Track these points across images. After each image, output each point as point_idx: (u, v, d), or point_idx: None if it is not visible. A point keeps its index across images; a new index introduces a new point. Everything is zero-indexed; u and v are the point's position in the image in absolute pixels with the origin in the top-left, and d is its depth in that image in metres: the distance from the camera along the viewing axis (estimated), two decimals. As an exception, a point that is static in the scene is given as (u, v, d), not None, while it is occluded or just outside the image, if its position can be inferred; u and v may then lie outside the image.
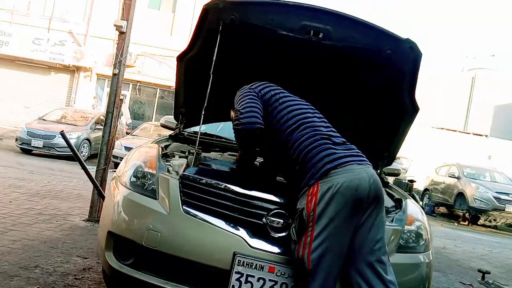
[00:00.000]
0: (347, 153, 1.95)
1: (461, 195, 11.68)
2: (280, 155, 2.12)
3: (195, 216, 2.02)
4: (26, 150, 10.71)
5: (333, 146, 1.96)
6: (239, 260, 1.92)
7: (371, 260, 1.88)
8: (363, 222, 1.88)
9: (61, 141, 8.67)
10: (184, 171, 2.24)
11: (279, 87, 2.25)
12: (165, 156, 2.58)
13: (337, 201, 1.81)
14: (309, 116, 2.10)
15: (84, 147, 11.03)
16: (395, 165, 3.25)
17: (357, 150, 2.02)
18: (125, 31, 4.53)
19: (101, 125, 7.14)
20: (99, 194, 4.36)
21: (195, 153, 2.55)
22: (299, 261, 1.84)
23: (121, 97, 4.67)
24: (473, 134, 16.61)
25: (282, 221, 2.01)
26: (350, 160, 1.91)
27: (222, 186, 2.10)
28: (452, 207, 12.20)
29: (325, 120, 2.15)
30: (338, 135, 2.08)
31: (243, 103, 2.07)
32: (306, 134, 2.01)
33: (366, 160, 1.99)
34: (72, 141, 8.40)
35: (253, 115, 2.02)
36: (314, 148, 1.95)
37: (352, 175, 1.86)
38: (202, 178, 2.15)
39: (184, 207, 2.05)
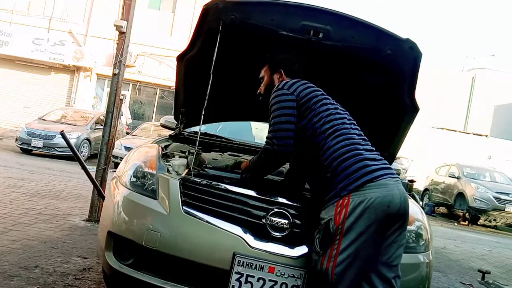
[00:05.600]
0: (381, 166, 1.90)
1: (461, 195, 11.68)
2: (311, 158, 2.03)
3: (195, 216, 2.02)
4: (26, 150, 10.71)
5: (367, 158, 1.90)
6: (239, 260, 1.92)
7: (383, 272, 1.86)
8: (387, 236, 1.85)
9: (61, 141, 8.69)
10: (186, 174, 2.24)
11: (318, 88, 2.13)
12: (165, 156, 2.58)
13: (368, 216, 1.77)
14: (345, 123, 2.03)
15: (84, 147, 11.03)
16: (395, 165, 3.24)
17: (386, 161, 1.97)
18: (125, 31, 4.53)
19: (101, 125, 7.14)
20: (99, 194, 4.36)
21: (195, 153, 2.55)
22: (321, 272, 1.81)
23: (121, 97, 4.68)
24: (473, 134, 16.60)
25: (282, 220, 2.01)
26: (384, 174, 1.87)
27: (222, 186, 2.10)
28: (452, 207, 12.20)
29: (358, 128, 2.08)
30: (368, 143, 2.02)
31: (278, 119, 2.02)
32: (341, 142, 1.94)
33: (395, 173, 1.95)
34: (72, 141, 8.40)
35: (288, 137, 2.00)
36: (349, 158, 1.89)
37: (386, 190, 1.82)
38: (202, 178, 2.15)
39: (184, 207, 2.05)
